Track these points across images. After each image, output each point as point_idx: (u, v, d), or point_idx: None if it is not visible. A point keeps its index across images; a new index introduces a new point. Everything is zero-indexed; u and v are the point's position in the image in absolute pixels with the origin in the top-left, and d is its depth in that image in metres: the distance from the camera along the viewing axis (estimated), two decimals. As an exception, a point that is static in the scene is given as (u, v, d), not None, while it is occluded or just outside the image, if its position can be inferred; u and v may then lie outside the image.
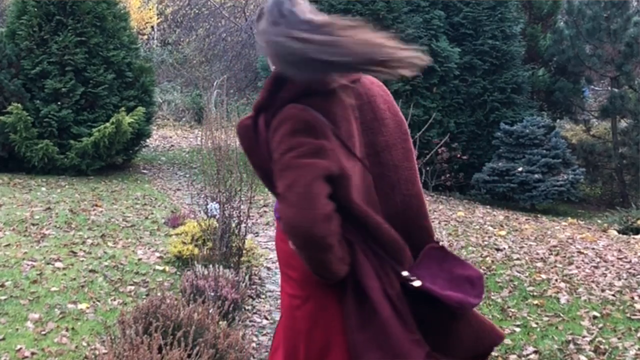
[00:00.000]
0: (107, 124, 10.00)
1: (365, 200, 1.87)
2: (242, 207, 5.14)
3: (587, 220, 10.49)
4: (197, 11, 22.09)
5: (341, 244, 1.87)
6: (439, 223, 8.21)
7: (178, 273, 5.52)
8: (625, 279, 5.94)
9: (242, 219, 5.07)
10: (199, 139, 6.60)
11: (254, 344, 4.29)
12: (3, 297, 4.69)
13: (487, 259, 6.45)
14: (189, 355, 3.21)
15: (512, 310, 5.02)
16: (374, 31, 1.87)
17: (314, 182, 1.77)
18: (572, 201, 11.60)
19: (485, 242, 7.24)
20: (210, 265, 4.72)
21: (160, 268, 5.63)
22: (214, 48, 21.45)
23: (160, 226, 7.11)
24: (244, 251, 5.19)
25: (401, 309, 1.87)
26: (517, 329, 4.63)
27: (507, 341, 4.41)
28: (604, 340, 4.42)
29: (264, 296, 5.39)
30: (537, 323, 4.76)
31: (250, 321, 4.86)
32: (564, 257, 6.76)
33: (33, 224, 6.76)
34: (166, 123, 17.42)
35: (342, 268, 1.88)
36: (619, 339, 4.47)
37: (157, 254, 6.00)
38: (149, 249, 6.21)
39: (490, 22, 11.84)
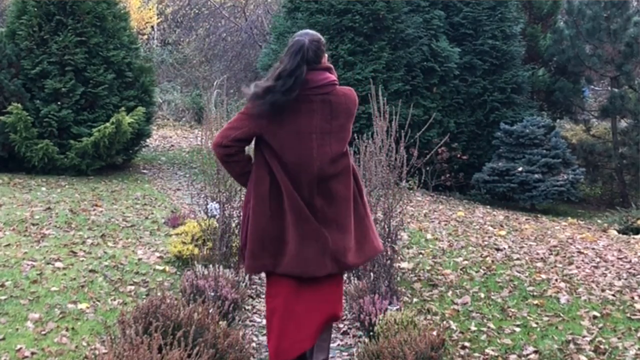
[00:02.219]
0: (107, 124, 9.99)
1: (294, 152, 3.16)
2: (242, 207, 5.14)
3: (587, 220, 10.49)
4: (197, 11, 22.08)
5: (239, 166, 3.29)
6: (439, 223, 8.21)
7: (178, 273, 5.52)
8: (625, 279, 5.95)
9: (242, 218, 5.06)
10: (199, 139, 6.60)
11: (254, 344, 4.29)
12: (3, 297, 4.69)
13: (487, 259, 6.45)
14: (189, 355, 3.21)
15: (512, 310, 5.02)
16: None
17: (230, 128, 3.23)
18: (572, 201, 11.60)
19: (485, 242, 7.24)
20: (210, 265, 4.72)
21: (160, 268, 5.63)
22: (214, 48, 21.44)
23: (160, 226, 7.11)
24: (244, 251, 5.18)
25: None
26: (517, 329, 4.63)
27: (507, 341, 4.41)
28: (604, 340, 4.42)
29: (264, 296, 5.39)
30: (537, 323, 4.76)
31: (250, 321, 4.86)
32: (564, 257, 6.76)
33: (33, 224, 6.76)
34: (166, 123, 17.42)
35: (240, 180, 3.41)
36: (619, 339, 4.47)
37: (157, 254, 6.00)
38: (149, 249, 6.21)
39: (490, 22, 11.84)
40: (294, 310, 3.23)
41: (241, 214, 3.62)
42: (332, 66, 3.32)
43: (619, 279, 5.93)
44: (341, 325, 4.86)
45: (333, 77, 3.26)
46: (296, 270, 3.19)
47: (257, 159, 3.26)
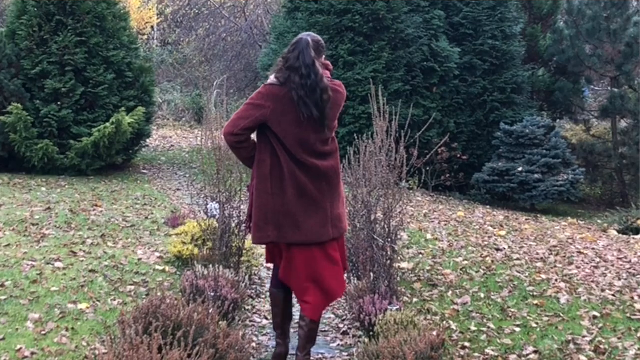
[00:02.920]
0: (107, 124, 10.00)
1: (295, 134, 3.63)
2: (242, 207, 5.15)
3: (587, 220, 10.49)
4: (197, 11, 22.09)
5: (246, 151, 3.73)
6: (439, 223, 8.21)
7: (178, 273, 5.52)
8: (625, 279, 5.95)
9: (242, 219, 5.07)
10: (199, 139, 6.61)
11: (254, 344, 4.29)
12: (3, 297, 4.69)
13: (487, 259, 6.45)
14: (189, 355, 3.21)
15: (512, 310, 5.02)
16: None
17: (239, 118, 3.66)
18: (572, 201, 11.60)
19: (485, 242, 7.24)
20: (210, 265, 4.71)
21: (160, 268, 5.63)
22: (214, 48, 21.44)
23: (160, 226, 7.11)
24: (244, 251, 5.19)
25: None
26: (517, 329, 4.63)
27: (507, 341, 4.42)
28: (604, 340, 4.43)
29: (264, 296, 5.39)
30: (537, 323, 4.76)
31: (250, 321, 4.87)
32: (564, 257, 6.76)
33: (33, 224, 6.76)
34: (166, 123, 17.42)
35: (246, 163, 3.82)
36: (619, 339, 4.48)
37: (157, 254, 6.00)
38: (149, 249, 6.21)
39: (490, 22, 11.84)
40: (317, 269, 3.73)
41: (247, 202, 4.04)
42: (329, 63, 3.79)
43: (619, 279, 5.93)
44: (341, 325, 4.87)
45: (328, 73, 3.73)
46: (301, 239, 3.65)
47: (260, 144, 3.73)
